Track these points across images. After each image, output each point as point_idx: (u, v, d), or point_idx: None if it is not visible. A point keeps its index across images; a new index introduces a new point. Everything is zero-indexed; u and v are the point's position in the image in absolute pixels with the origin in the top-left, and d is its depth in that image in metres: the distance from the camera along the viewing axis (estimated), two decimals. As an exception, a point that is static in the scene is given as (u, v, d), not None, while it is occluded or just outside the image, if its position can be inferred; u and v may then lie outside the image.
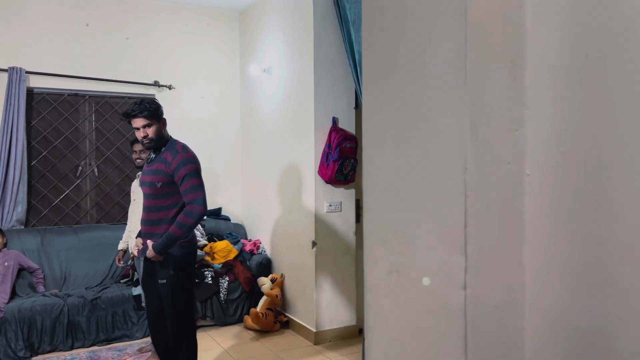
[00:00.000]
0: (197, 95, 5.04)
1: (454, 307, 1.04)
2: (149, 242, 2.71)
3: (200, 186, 2.76)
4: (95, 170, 4.67)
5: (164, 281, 2.74)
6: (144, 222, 2.84)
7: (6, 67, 4.16)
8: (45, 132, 4.43)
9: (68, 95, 4.51)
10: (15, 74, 4.14)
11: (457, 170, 1.04)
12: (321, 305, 3.99)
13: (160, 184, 2.73)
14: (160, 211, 2.76)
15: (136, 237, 2.97)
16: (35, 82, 4.34)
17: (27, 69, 4.22)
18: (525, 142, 1.10)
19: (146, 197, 2.81)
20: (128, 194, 4.86)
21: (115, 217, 4.73)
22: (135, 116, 2.73)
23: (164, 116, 2.86)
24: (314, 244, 3.98)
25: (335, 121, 4.00)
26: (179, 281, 2.77)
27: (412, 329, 1.17)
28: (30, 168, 4.33)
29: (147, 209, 2.81)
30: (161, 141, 2.82)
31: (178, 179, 2.71)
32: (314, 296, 3.97)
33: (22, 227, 4.26)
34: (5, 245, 3.96)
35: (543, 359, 1.02)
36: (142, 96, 4.70)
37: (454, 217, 1.04)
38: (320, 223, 4.00)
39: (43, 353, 3.66)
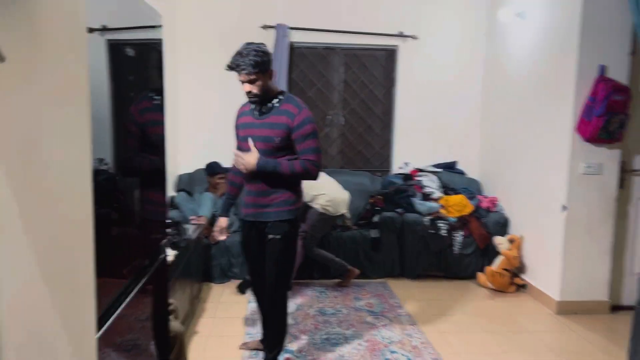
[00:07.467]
0: (440, 44, 4.92)
1: None
2: (253, 151, 2.48)
3: (319, 150, 2.50)
4: (342, 119, 4.99)
5: (278, 236, 2.53)
6: (251, 179, 2.57)
7: (274, 24, 4.63)
8: (301, 83, 4.88)
9: (322, 49, 4.84)
10: (280, 30, 4.59)
11: None
12: (567, 274, 3.64)
13: (279, 139, 2.45)
14: None
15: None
16: (294, 37, 4.76)
17: (290, 25, 4.63)
18: None
19: (260, 153, 2.48)
20: (371, 144, 5.10)
21: (357, 164, 5.03)
22: (238, 72, 2.42)
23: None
24: (564, 207, 3.61)
25: (603, 70, 3.46)
26: (291, 239, 2.60)
27: None
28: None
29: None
30: (267, 95, 2.49)
31: (299, 135, 2.44)
32: (561, 264, 3.64)
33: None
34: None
35: None
36: (337, 46, 4.78)
37: None
38: (573, 185, 3.59)
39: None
